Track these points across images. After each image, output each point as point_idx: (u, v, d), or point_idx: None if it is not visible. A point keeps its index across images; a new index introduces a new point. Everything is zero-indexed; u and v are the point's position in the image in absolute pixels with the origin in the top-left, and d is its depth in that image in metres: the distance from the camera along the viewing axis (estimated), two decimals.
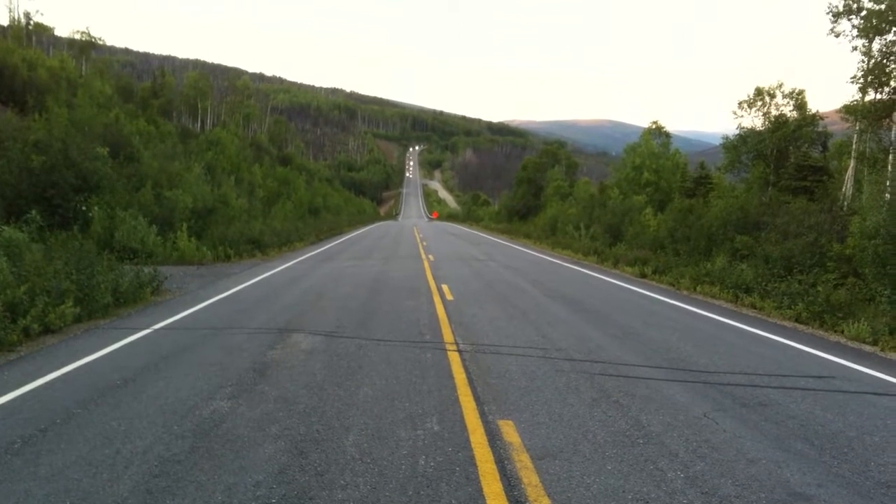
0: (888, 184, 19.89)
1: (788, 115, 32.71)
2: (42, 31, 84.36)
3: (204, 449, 5.93)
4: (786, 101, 33.24)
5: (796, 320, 14.59)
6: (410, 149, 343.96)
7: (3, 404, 7.27)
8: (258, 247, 30.46)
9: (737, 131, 34.16)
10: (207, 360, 9.51)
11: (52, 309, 11.36)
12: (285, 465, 5.56)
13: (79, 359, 9.44)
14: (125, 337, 11.06)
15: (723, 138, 36.04)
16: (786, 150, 31.80)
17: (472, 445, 6.11)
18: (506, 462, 5.73)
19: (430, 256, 31.60)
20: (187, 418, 6.78)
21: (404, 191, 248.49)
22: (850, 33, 24.09)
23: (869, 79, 23.48)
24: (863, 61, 23.78)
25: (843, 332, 13.10)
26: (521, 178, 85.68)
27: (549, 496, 5.06)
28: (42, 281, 12.00)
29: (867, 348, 11.88)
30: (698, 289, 19.36)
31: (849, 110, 25.09)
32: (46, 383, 8.15)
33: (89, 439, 6.15)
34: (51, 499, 4.91)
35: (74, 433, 6.32)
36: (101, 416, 6.86)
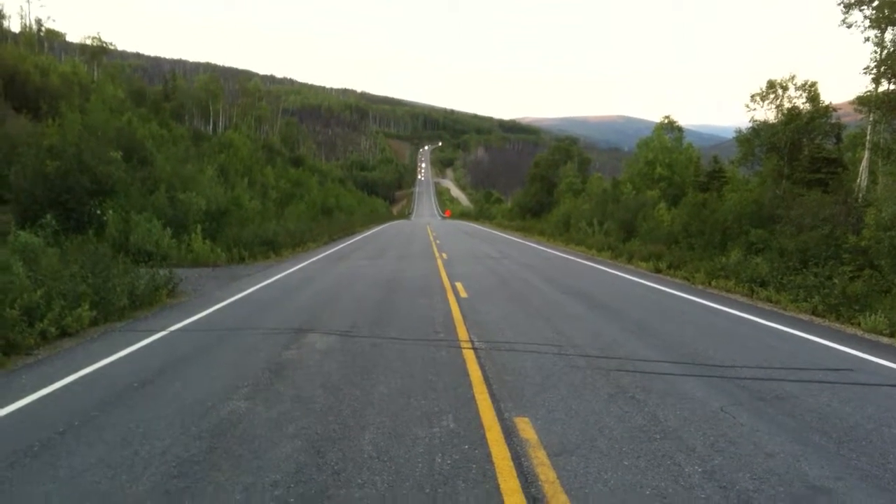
0: None
1: (801, 108, 32.54)
2: (54, 38, 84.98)
3: (222, 449, 5.96)
4: (798, 93, 33.06)
5: (812, 313, 14.52)
6: (422, 148, 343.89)
7: (22, 408, 7.31)
8: (272, 248, 30.46)
9: (750, 124, 34.02)
10: (224, 361, 9.56)
11: (69, 312, 11.42)
12: (302, 465, 5.58)
13: (96, 361, 9.48)
14: (142, 339, 11.10)
15: (736, 131, 35.89)
16: (799, 143, 31.63)
17: (489, 442, 6.11)
18: (522, 459, 5.74)
19: (444, 255, 31.60)
20: (205, 419, 6.81)
21: (417, 190, 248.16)
22: (862, 24, 23.94)
23: (882, 69, 23.32)
24: (875, 52, 23.62)
25: (859, 324, 13.03)
26: (533, 175, 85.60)
27: (566, 492, 5.06)
28: (58, 285, 12.08)
29: (884, 340, 11.82)
30: (713, 283, 19.30)
31: (862, 101, 24.94)
32: (64, 386, 8.19)
33: (107, 441, 6.18)
34: (70, 501, 4.94)
35: (93, 435, 6.36)
36: (119, 417, 6.90)
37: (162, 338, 11.33)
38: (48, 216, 19.06)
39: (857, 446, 6.15)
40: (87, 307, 11.89)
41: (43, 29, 76.13)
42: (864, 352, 10.60)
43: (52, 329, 10.85)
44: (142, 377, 8.55)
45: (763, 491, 5.11)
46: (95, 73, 73.05)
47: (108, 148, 27.13)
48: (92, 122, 34.05)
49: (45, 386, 8.12)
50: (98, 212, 23.90)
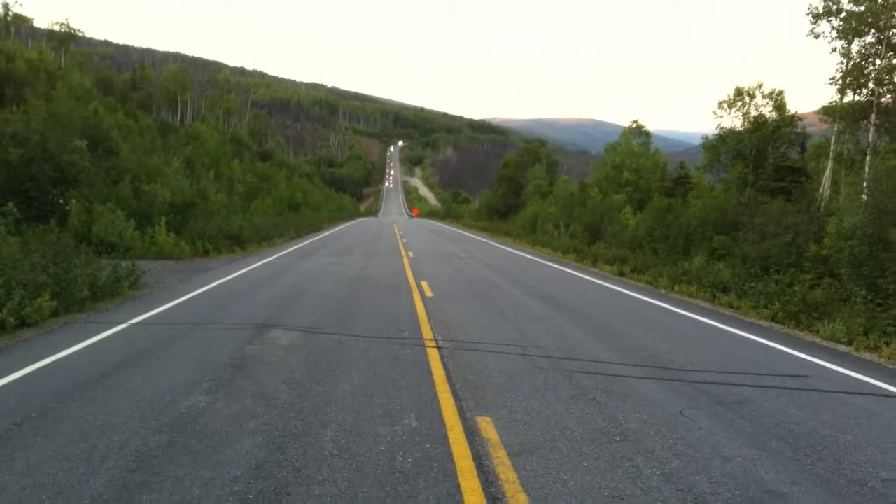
0: (865, 185, 20.07)
1: (768, 116, 32.96)
2: (21, 22, 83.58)
3: (181, 444, 5.91)
4: (765, 101, 33.50)
5: (773, 319, 14.70)
6: (391, 146, 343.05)
7: None
8: (237, 242, 30.30)
9: (716, 131, 34.40)
10: (185, 356, 9.48)
11: (29, 302, 11.27)
12: (263, 461, 5.56)
13: (55, 353, 9.36)
14: (102, 331, 10.98)
15: (703, 138, 36.28)
16: (765, 151, 32.04)
17: (450, 442, 6.12)
18: (483, 458, 5.76)
19: (410, 253, 31.59)
20: (164, 413, 6.75)
21: (385, 187, 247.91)
22: (829, 35, 24.32)
23: (848, 80, 23.70)
24: (842, 62, 24.01)
25: (818, 331, 13.21)
26: (501, 176, 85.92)
27: (525, 492, 5.09)
28: (18, 274, 11.90)
29: (842, 348, 11.99)
30: (676, 288, 19.47)
31: (827, 111, 25.35)
32: (22, 377, 8.09)
33: (65, 434, 6.11)
34: (27, 493, 4.88)
35: (50, 428, 6.28)
36: (78, 410, 6.82)
37: (123, 330, 11.22)
38: (9, 204, 18.76)
39: (812, 451, 6.24)
40: (47, 298, 11.75)
41: (10, 13, 74.83)
42: (821, 359, 10.74)
43: (11, 319, 10.71)
44: (101, 370, 8.46)
45: (719, 494, 5.17)
46: (63, 61, 72.10)
47: (73, 137, 26.82)
48: (57, 110, 33.64)
49: (1, 377, 8.00)
50: (61, 201, 23.60)
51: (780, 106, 33.18)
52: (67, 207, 23.46)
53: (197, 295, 15.71)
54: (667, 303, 16.99)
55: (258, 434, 6.21)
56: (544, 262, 29.76)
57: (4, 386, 7.70)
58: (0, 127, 25.16)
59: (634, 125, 51.85)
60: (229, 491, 4.96)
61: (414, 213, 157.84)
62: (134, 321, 12.01)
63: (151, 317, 12.60)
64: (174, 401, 7.18)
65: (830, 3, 24.19)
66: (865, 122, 23.93)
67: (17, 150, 22.83)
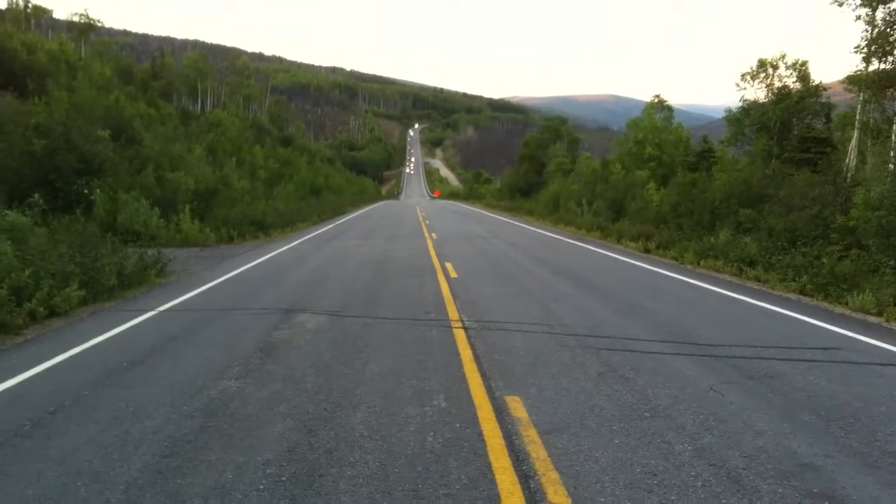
0: (892, 154, 19.82)
1: (791, 87, 32.58)
2: (41, 14, 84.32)
3: (213, 429, 5.95)
4: (789, 72, 33.11)
5: (801, 292, 14.57)
6: (411, 128, 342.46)
7: (12, 387, 7.29)
8: (261, 228, 30.41)
9: (740, 104, 34.05)
10: (214, 341, 9.54)
11: (58, 292, 11.36)
12: (294, 444, 5.58)
13: (85, 341, 9.45)
14: (131, 319, 11.07)
15: (725, 111, 35.95)
16: (789, 122, 31.71)
17: (480, 421, 6.12)
18: (514, 437, 5.75)
19: (434, 235, 31.59)
20: (196, 398, 6.80)
21: (406, 170, 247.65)
22: (853, 2, 23.93)
23: (873, 48, 23.35)
24: (866, 30, 23.63)
25: (847, 303, 13.08)
26: (523, 155, 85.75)
27: (557, 470, 5.08)
28: (47, 264, 12.00)
29: (872, 319, 11.87)
30: (702, 263, 19.34)
31: (852, 80, 24.98)
32: (54, 366, 8.17)
33: (98, 421, 6.17)
34: (62, 480, 4.94)
35: (84, 415, 6.34)
36: (110, 397, 6.88)
37: (151, 318, 11.30)
38: (36, 195, 18.90)
39: (845, 424, 6.18)
40: (75, 287, 11.84)
41: (30, 5, 75.45)
42: (852, 331, 10.64)
43: (41, 309, 10.81)
44: (132, 357, 8.53)
45: (752, 469, 5.14)
46: (83, 51, 72.57)
47: (95, 127, 26.97)
48: (79, 100, 33.82)
49: (34, 366, 8.09)
50: (86, 191, 23.75)
51: (803, 76, 32.79)
52: (92, 197, 23.61)
53: (223, 281, 15.80)
54: (693, 278, 16.89)
55: (289, 417, 6.24)
56: (568, 240, 29.68)
57: (37, 375, 7.78)
58: (23, 118, 25.34)
59: (657, 100, 51.42)
60: (262, 474, 4.99)
61: (436, 195, 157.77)
62: (162, 308, 12.09)
63: (179, 303, 12.68)
64: (205, 386, 7.23)
65: None
66: (891, 90, 23.59)
67: (40, 142, 22.99)
